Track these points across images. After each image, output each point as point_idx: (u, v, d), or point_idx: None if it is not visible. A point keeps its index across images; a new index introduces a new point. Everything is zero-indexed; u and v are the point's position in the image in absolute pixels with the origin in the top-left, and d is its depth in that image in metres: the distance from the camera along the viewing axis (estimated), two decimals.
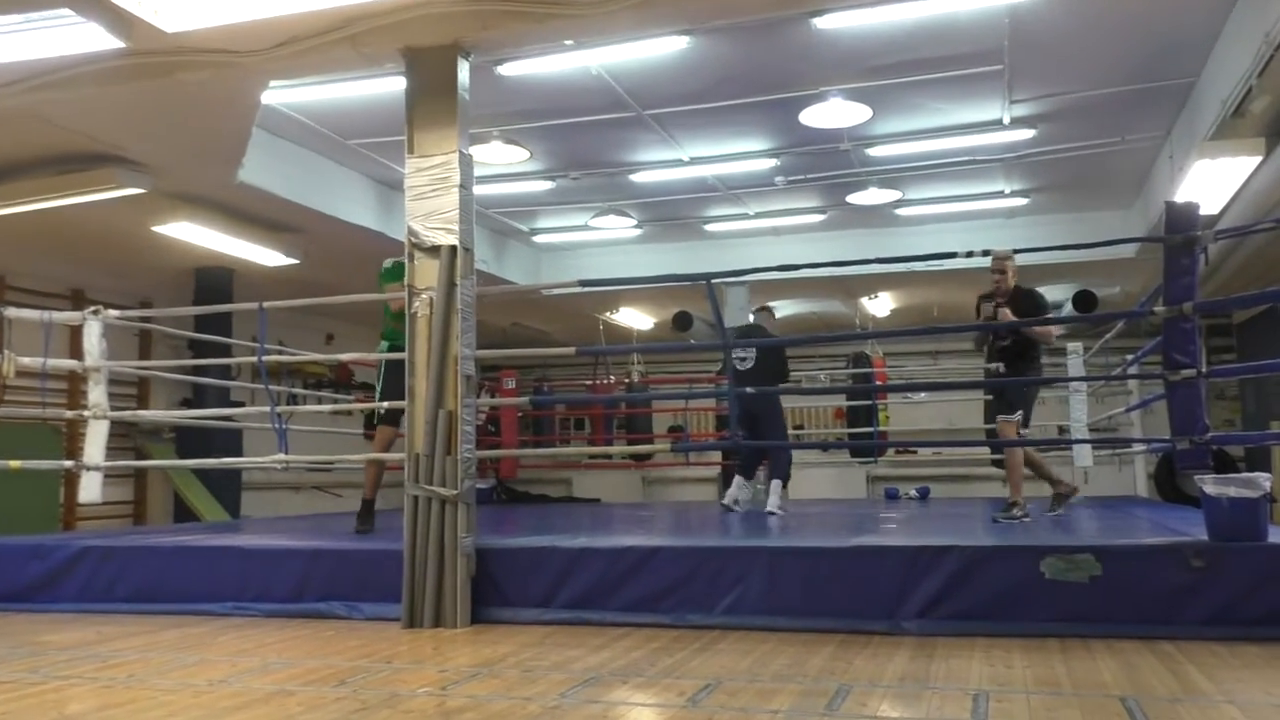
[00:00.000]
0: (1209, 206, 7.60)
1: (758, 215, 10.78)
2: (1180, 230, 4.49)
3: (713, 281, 5.26)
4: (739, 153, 8.76)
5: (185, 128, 6.67)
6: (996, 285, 6.32)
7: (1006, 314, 6.18)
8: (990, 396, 6.88)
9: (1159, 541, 4.28)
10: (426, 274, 4.88)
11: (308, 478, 12.80)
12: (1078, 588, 4.07)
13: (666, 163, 8.98)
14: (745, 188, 9.80)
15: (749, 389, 7.09)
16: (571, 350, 6.16)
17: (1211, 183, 7.29)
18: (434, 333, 4.81)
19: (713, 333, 12.72)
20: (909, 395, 13.97)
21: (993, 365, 6.99)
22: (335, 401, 11.66)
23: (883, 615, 4.21)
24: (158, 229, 8.33)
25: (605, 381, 13.99)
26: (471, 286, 4.93)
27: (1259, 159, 6.89)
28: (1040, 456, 6.71)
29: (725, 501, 8.25)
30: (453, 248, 4.84)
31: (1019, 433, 6.29)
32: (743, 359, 7.80)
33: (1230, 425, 13.50)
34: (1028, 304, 6.25)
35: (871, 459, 13.13)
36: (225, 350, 9.17)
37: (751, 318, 9.07)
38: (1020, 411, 6.27)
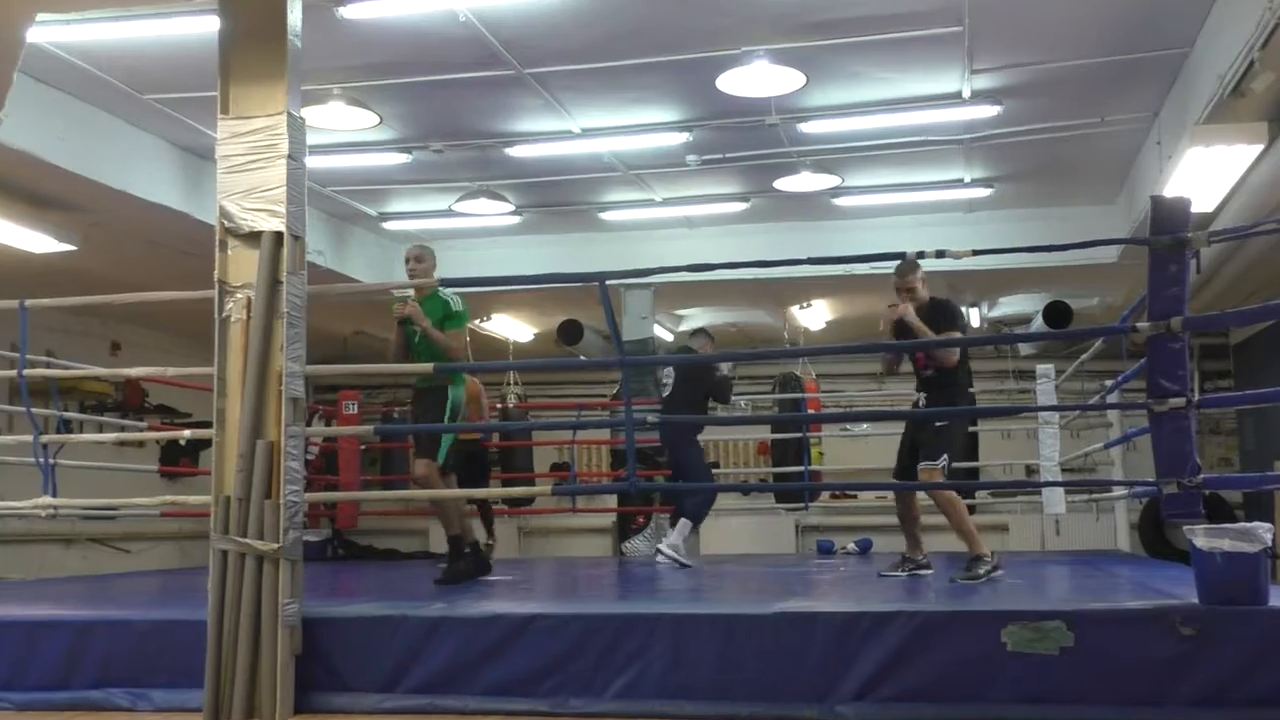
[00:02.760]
0: (1203, 203, 7.92)
1: (665, 202, 10.85)
2: (1168, 230, 4.66)
3: (608, 283, 5.27)
4: (642, 124, 8.81)
5: None
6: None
7: (907, 310, 6.38)
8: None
9: (1142, 605, 4.41)
10: (243, 268, 4.78)
11: (84, 528, 12.38)
12: (1046, 661, 4.17)
13: (552, 134, 8.98)
14: (650, 168, 9.86)
15: (650, 418, 7.17)
16: (429, 367, 6.11)
17: (1206, 174, 7.58)
18: (251, 342, 4.72)
19: (607, 347, 12.76)
20: (848, 427, 14.18)
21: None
22: (122, 429, 11.32)
23: (813, 697, 4.24)
24: None
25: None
26: (302, 284, 4.85)
27: (1261, 147, 7.18)
28: (918, 513, 6.86)
29: (665, 551, 8.67)
30: (278, 235, 4.76)
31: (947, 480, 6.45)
32: (665, 383, 8.52)
33: (1226, 465, 14.03)
34: (944, 317, 6.44)
35: (802, 505, 13.28)
36: None
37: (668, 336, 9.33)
38: (945, 456, 6.39)
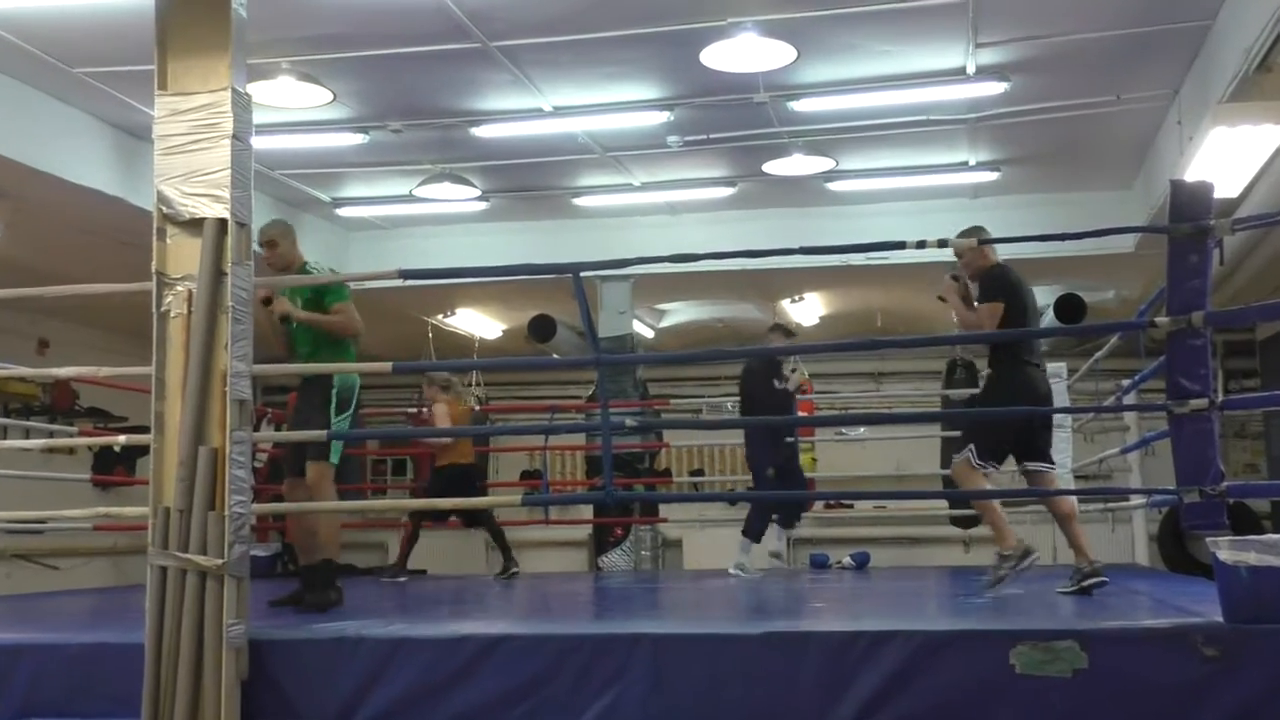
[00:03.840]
0: (1226, 188, 7.97)
1: (645, 187, 10.86)
2: (1189, 217, 4.68)
3: (583, 275, 5.26)
4: (620, 102, 8.82)
5: None
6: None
7: (946, 290, 6.47)
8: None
9: (1161, 624, 4.43)
10: (183, 258, 4.75)
11: (8, 543, 12.32)
12: (1057, 685, 4.17)
13: (522, 113, 8.99)
14: (628, 149, 9.86)
15: (629, 421, 7.20)
16: (388, 366, 6.10)
17: (1230, 157, 7.64)
18: (193, 339, 4.69)
19: (582, 344, 12.75)
20: (843, 431, 14.21)
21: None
22: (50, 435, 11.26)
23: None
24: None
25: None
26: (248, 276, 4.84)
27: None
28: (1063, 509, 6.63)
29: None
30: (221, 222, 4.74)
31: (984, 476, 6.38)
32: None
33: (1252, 471, 14.10)
34: (983, 290, 6.42)
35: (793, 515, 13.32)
36: None
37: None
38: (971, 445, 6.27)
